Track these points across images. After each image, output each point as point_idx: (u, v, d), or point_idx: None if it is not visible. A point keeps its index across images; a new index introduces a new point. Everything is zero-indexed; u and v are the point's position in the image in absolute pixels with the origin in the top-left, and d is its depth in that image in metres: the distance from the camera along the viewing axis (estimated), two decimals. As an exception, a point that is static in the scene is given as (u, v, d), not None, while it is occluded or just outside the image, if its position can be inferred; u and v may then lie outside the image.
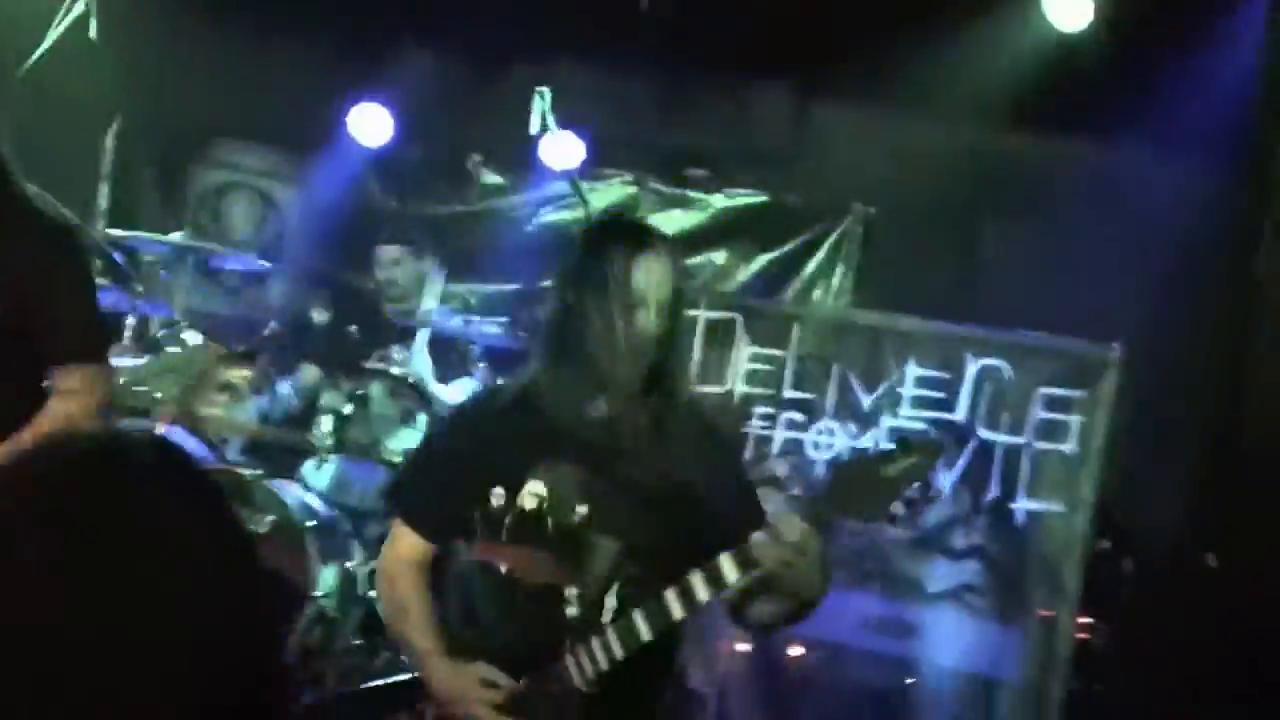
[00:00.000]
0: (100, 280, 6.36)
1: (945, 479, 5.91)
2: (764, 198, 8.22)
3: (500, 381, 4.14)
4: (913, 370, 6.09)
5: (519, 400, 3.76)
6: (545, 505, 3.66)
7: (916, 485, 3.40)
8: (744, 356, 6.20)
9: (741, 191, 8.22)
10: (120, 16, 6.83)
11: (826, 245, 8.13)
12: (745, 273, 8.17)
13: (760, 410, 6.18)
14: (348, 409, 6.35)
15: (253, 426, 6.50)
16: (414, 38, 7.81)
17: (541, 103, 6.61)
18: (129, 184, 8.16)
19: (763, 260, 8.20)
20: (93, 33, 6.55)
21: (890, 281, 7.82)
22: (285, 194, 8.51)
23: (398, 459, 6.24)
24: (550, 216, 8.11)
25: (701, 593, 3.47)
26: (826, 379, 6.15)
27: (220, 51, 7.97)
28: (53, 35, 6.46)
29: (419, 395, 6.51)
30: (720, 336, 6.23)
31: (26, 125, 7.12)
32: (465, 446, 3.83)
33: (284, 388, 6.72)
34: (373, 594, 6.61)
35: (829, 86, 7.92)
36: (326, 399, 6.43)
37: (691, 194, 8.23)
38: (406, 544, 3.88)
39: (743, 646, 6.18)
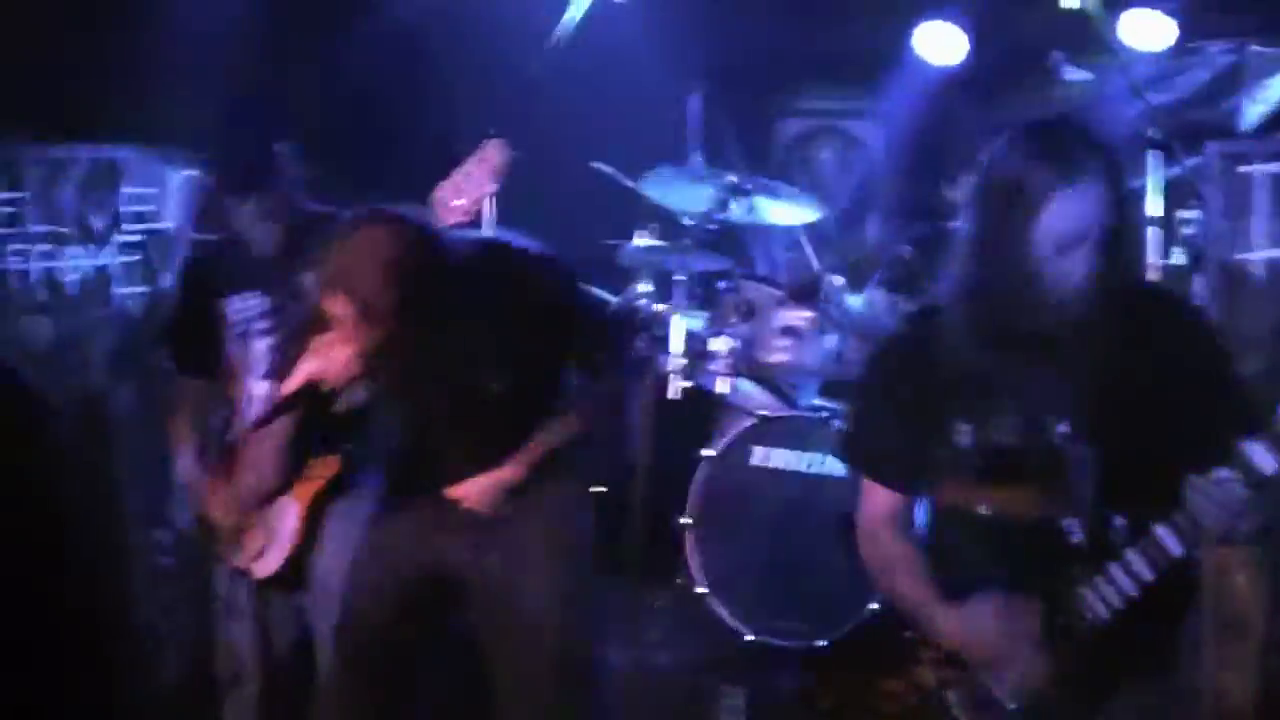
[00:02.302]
0: (654, 242, 6.41)
1: None
2: (1389, 38, 7.19)
3: (925, 308, 3.67)
4: None
5: (956, 327, 3.39)
6: (1020, 433, 3.33)
7: None
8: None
9: (1362, 36, 7.24)
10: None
11: None
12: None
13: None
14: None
15: (820, 368, 6.25)
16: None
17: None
18: (718, 147, 8.17)
19: None
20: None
21: None
22: (869, 131, 8.28)
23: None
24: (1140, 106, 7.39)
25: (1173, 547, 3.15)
26: None
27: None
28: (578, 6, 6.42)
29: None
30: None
31: (619, 97, 7.36)
32: (913, 384, 3.49)
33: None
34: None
35: None
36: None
37: (1307, 53, 7.33)
38: (879, 500, 3.62)
39: None
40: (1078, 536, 3.30)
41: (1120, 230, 3.28)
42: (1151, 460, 3.22)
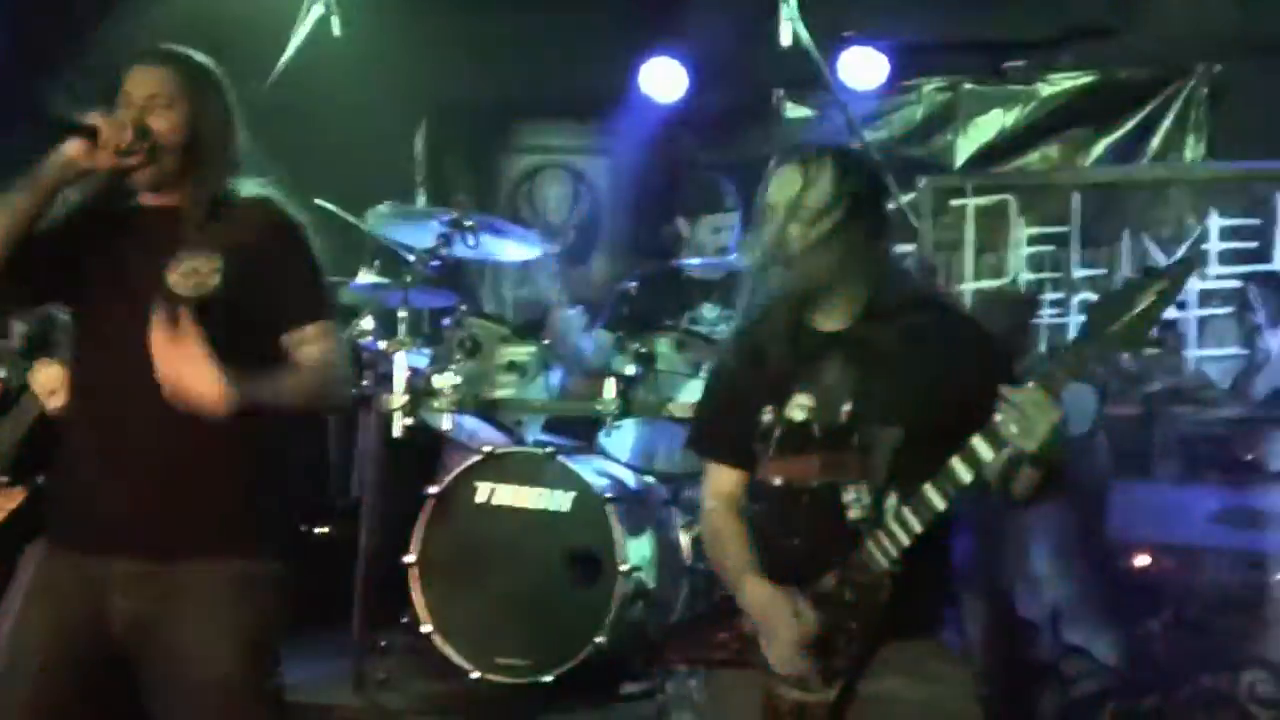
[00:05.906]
0: (377, 279, 6.32)
1: (1273, 339, 5.15)
2: (1091, 77, 7.48)
3: (752, 318, 3.93)
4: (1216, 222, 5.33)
5: (773, 319, 3.74)
6: (811, 413, 3.63)
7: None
8: (1023, 239, 5.57)
9: (1065, 75, 7.51)
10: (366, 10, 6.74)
11: (1171, 115, 7.32)
12: (1086, 162, 7.43)
13: (1050, 297, 5.53)
14: (630, 370, 6.01)
15: (543, 404, 6.22)
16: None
17: (788, 10, 6.14)
18: (443, 180, 8.14)
19: (1101, 146, 7.45)
20: (335, 31, 6.45)
21: (1257, 136, 6.95)
22: (594, 166, 8.33)
23: (689, 414, 5.91)
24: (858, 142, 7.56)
25: (964, 475, 3.39)
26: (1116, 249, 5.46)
27: (491, 32, 7.82)
28: (295, 40, 6.38)
29: (708, 344, 6.14)
30: (993, 221, 5.61)
31: (343, 133, 7.29)
32: (738, 371, 3.83)
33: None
34: (701, 564, 6.33)
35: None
36: (613, 363, 6.10)
37: (1012, 88, 7.57)
38: (718, 478, 3.91)
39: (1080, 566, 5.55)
40: (854, 512, 3.56)
41: (815, 200, 3.54)
42: (922, 437, 3.51)
